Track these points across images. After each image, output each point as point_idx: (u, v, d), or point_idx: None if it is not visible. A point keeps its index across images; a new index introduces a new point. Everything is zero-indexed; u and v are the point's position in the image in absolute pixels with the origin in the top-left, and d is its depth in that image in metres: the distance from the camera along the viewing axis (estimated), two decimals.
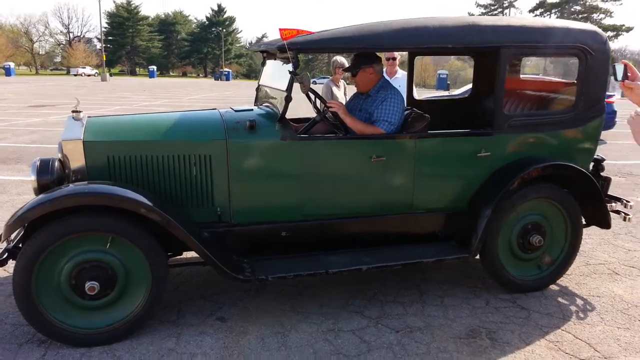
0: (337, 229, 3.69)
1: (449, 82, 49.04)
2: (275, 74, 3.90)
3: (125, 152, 3.32)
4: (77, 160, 3.26)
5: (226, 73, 67.01)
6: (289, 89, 3.39)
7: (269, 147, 3.46)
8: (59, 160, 3.27)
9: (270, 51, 3.74)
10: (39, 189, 3.13)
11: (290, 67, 3.40)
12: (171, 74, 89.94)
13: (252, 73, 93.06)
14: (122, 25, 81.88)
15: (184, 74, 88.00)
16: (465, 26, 3.60)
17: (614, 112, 13.38)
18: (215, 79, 69.18)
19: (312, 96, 3.75)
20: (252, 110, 3.76)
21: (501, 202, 3.67)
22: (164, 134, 3.41)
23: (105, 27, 78.84)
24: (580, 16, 64.03)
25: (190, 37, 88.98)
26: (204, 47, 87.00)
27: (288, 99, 3.40)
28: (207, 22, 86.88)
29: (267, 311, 3.61)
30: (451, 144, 3.73)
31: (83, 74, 63.03)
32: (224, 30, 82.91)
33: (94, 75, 63.09)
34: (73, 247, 2.98)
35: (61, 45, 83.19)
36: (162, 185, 3.40)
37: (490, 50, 3.65)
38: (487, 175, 3.82)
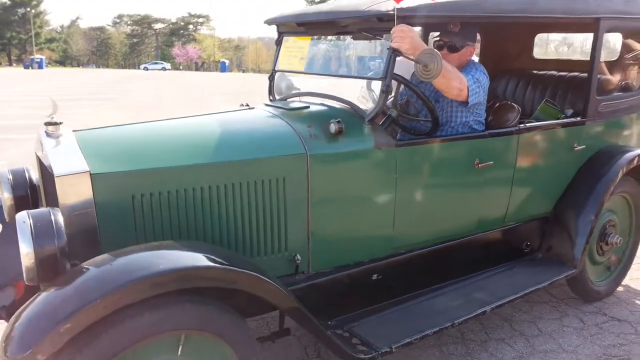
0: (428, 259, 2.80)
1: None
2: (330, 57, 2.85)
3: (158, 185, 2.05)
4: (80, 206, 1.91)
5: (38, 60, 58.75)
6: (388, 74, 2.38)
7: (360, 157, 2.44)
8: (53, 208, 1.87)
9: (340, 23, 2.62)
10: (40, 265, 1.72)
11: (379, 43, 2.42)
12: None
13: (68, 59, 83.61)
14: None
15: None
16: None
17: None
18: (25, 68, 60.17)
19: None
20: (307, 107, 2.65)
21: (602, 204, 3.10)
22: (213, 153, 2.19)
23: None
24: None
25: None
26: (7, 32, 75.71)
27: (386, 89, 2.40)
28: (9, 3, 75.52)
29: None
30: (550, 138, 3.05)
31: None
32: (32, 11, 72.78)
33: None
34: None
35: None
36: (215, 230, 2.19)
37: (587, 21, 3.03)
38: (574, 173, 3.24)
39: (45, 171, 2.21)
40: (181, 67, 76.64)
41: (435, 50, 2.32)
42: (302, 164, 2.29)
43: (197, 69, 77.63)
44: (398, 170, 2.51)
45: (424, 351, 2.90)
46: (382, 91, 2.40)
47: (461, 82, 2.55)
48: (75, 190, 1.90)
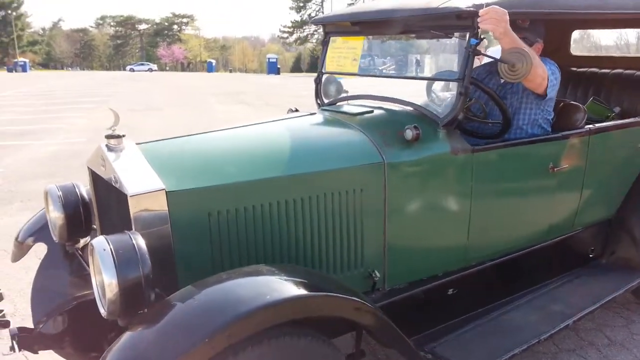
0: (499, 271, 2.64)
1: (279, 67, 49.10)
2: (393, 58, 2.67)
3: (235, 201, 1.86)
4: (155, 226, 1.71)
5: (22, 63, 57.68)
6: (466, 75, 2.20)
7: (436, 165, 2.26)
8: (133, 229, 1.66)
9: (407, 22, 2.41)
10: (124, 297, 1.51)
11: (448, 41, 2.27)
12: None
13: (51, 62, 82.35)
14: None
15: None
16: None
17: None
18: (9, 71, 59.07)
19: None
20: (370, 111, 2.46)
21: None
22: (290, 165, 2.00)
23: None
24: None
25: None
26: None
27: (464, 91, 2.22)
28: None
29: None
30: (617, 139, 2.91)
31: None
32: (13, 14, 71.48)
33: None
34: None
35: None
36: (292, 247, 2.00)
37: None
38: (637, 174, 3.10)
39: (102, 187, 2.02)
40: (167, 68, 75.96)
41: (525, 49, 2.15)
42: (379, 174, 2.11)
43: (183, 70, 77.03)
44: (474, 177, 2.34)
45: None
46: (459, 93, 2.22)
47: (544, 72, 2.39)
48: (150, 210, 1.70)
